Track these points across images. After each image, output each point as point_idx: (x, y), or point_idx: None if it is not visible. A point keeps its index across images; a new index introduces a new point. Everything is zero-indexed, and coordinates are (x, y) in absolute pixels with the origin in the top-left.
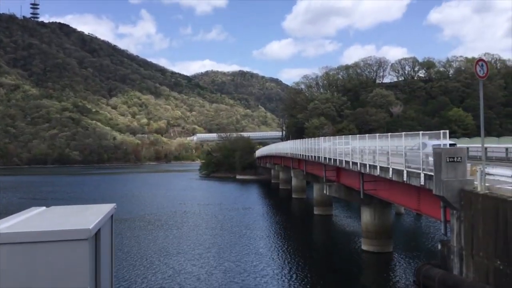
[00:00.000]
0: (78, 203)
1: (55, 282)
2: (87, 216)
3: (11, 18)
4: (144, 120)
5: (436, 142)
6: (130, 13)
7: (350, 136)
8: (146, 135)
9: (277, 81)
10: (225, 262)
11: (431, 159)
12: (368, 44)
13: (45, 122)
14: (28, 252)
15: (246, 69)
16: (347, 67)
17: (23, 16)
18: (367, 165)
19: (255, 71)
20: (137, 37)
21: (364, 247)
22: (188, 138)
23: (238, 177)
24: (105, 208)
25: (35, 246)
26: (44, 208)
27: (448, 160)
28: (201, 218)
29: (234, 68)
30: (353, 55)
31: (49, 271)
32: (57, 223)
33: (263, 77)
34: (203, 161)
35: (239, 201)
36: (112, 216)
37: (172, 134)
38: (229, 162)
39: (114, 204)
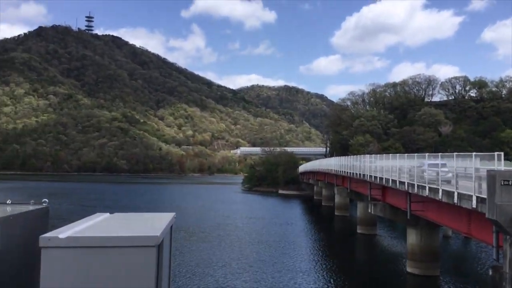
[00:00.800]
0: (126, 212)
1: (122, 286)
2: (152, 224)
3: (67, 30)
4: (190, 132)
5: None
6: (181, 27)
7: (397, 154)
8: (191, 146)
9: (322, 97)
10: (268, 277)
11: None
12: (418, 62)
13: (95, 131)
14: (98, 256)
15: (292, 84)
16: (394, 85)
17: (78, 28)
18: (415, 185)
19: (300, 87)
20: (186, 50)
21: (409, 269)
22: (231, 151)
23: (280, 191)
24: (167, 217)
25: (104, 251)
26: (108, 214)
27: (502, 183)
28: (244, 232)
29: (280, 83)
30: (402, 72)
31: (117, 276)
32: (125, 229)
33: (308, 92)
34: (246, 174)
35: (282, 216)
36: (172, 225)
37: (216, 147)
38: (272, 177)
39: (174, 213)
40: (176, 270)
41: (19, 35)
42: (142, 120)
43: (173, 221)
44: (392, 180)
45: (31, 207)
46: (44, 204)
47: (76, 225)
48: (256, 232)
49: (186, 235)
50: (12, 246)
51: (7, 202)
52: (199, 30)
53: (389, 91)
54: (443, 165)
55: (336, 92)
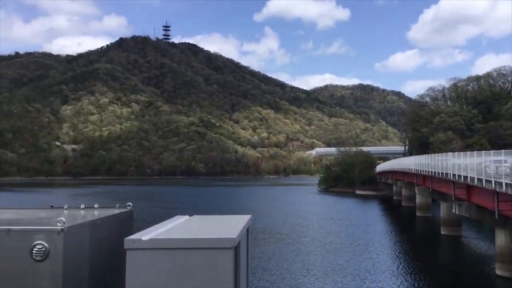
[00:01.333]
0: (205, 214)
1: (202, 287)
2: (229, 226)
3: (146, 40)
4: (264, 134)
5: None
6: (254, 31)
7: (482, 152)
8: (266, 148)
9: (399, 94)
10: (348, 280)
11: None
12: (503, 53)
13: (174, 136)
14: (177, 258)
15: (367, 82)
16: (478, 78)
17: (156, 38)
18: (503, 183)
19: (376, 84)
20: (259, 53)
21: (498, 272)
22: (306, 152)
23: (357, 192)
24: (243, 219)
25: (182, 252)
26: (187, 216)
27: None
28: (322, 233)
29: (355, 81)
30: (486, 64)
31: (196, 277)
32: (202, 231)
33: (384, 90)
34: (322, 175)
35: (360, 217)
36: (248, 227)
37: (291, 148)
38: (348, 177)
39: (250, 215)
40: (253, 273)
41: (101, 47)
42: (218, 124)
43: (250, 223)
44: (477, 178)
45: (116, 211)
46: (128, 207)
47: (158, 227)
48: (334, 233)
49: (263, 237)
50: (100, 248)
51: (95, 206)
52: (272, 32)
53: (472, 84)
54: None
55: (414, 89)
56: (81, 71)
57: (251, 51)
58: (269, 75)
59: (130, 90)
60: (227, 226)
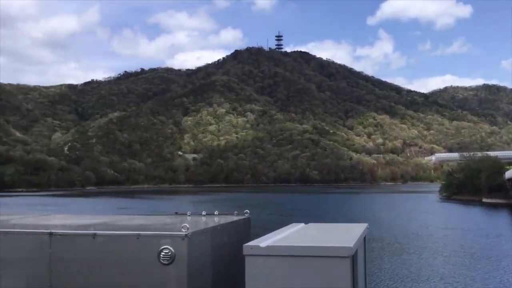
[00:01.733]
0: (320, 221)
1: None
2: (345, 234)
3: (259, 50)
4: (380, 140)
5: None
6: (367, 35)
7: None
8: (381, 155)
9: None
10: None
11: None
12: None
13: (288, 144)
14: (293, 265)
15: (493, 82)
16: None
17: (269, 48)
18: None
19: (503, 84)
20: (373, 57)
21: None
22: (425, 158)
23: (484, 200)
24: (360, 228)
25: (299, 260)
26: (303, 224)
27: None
28: (446, 244)
29: (479, 82)
30: None
31: (311, 285)
32: (319, 239)
33: None
34: (443, 182)
35: (488, 228)
36: (365, 236)
37: (408, 154)
38: (473, 184)
39: (367, 224)
40: (371, 283)
41: (218, 60)
42: (331, 131)
43: (366, 231)
44: None
45: (235, 218)
46: (246, 214)
47: (275, 234)
48: (459, 244)
49: (380, 246)
50: (220, 253)
51: (215, 213)
52: (386, 35)
53: None
54: None
55: None
56: (199, 83)
57: (365, 56)
58: (383, 79)
59: (245, 100)
60: (344, 235)
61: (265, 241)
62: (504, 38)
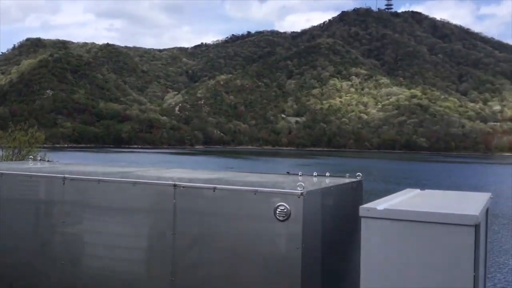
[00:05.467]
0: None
1: (436, 263)
2: (468, 203)
3: (367, 12)
4: (497, 107)
5: None
6: None
7: None
8: (499, 123)
9: None
10: None
11: None
12: None
13: (394, 109)
14: (411, 230)
15: None
16: None
17: (378, 9)
18: None
19: None
20: (500, 16)
21: None
22: None
23: None
24: (483, 197)
25: (418, 225)
26: (418, 190)
27: None
28: None
29: None
30: None
31: (430, 252)
32: (439, 205)
33: None
34: None
35: None
36: (488, 207)
37: None
38: None
39: (490, 194)
40: (490, 258)
41: (324, 22)
42: (442, 97)
43: (490, 202)
44: None
45: (347, 180)
46: (358, 177)
47: (390, 198)
48: None
49: (502, 222)
50: (332, 214)
51: (326, 174)
52: None
53: None
54: None
55: None
56: (304, 46)
57: (490, 15)
58: (507, 41)
59: (350, 63)
60: (467, 203)
61: (381, 204)
62: None
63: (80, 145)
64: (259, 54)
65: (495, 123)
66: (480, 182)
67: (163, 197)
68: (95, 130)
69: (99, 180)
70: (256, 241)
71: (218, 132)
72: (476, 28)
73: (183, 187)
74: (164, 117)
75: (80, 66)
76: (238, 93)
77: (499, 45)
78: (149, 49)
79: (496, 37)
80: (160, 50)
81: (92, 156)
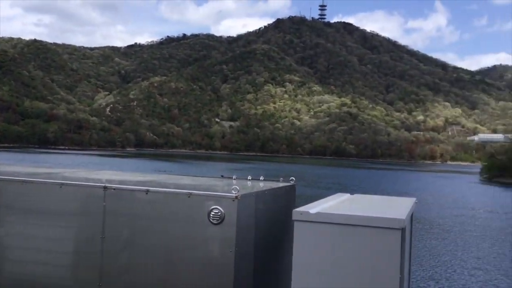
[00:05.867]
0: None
1: (364, 265)
2: (395, 207)
3: (302, 20)
4: (421, 117)
5: None
6: (423, 6)
7: None
8: (421, 132)
9: None
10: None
11: None
12: None
13: (325, 116)
14: (342, 234)
15: None
16: None
17: (312, 18)
18: None
19: None
20: (426, 31)
21: None
22: (468, 138)
23: None
24: (408, 202)
25: (349, 228)
26: (349, 195)
27: None
28: (488, 228)
29: None
30: None
31: (359, 255)
32: (368, 209)
33: None
34: (485, 163)
35: None
36: (413, 212)
37: (450, 133)
38: None
39: (415, 199)
40: (414, 260)
41: (259, 28)
42: (370, 105)
43: (415, 206)
44: None
45: (280, 184)
46: (291, 182)
47: (322, 202)
48: (497, 228)
49: (421, 227)
50: (266, 218)
51: (260, 178)
52: (442, 8)
53: None
54: None
55: None
56: (240, 51)
57: (417, 29)
58: (432, 54)
59: (284, 70)
60: (394, 207)
61: (314, 208)
62: None
63: (2, 145)
64: (195, 57)
65: (419, 132)
66: (404, 188)
67: (92, 199)
68: (19, 129)
69: (23, 181)
70: (189, 244)
71: (151, 134)
72: (403, 41)
73: (114, 189)
74: (94, 118)
75: (4, 62)
76: (172, 96)
77: (423, 58)
78: (80, 47)
79: (422, 50)
80: (91, 49)
81: (15, 156)
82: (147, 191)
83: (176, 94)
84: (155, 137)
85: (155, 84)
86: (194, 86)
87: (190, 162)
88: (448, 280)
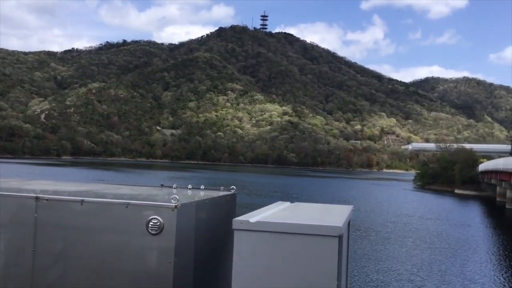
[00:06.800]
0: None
1: (302, 273)
2: (333, 214)
3: (244, 29)
4: (358, 127)
5: None
6: (361, 19)
7: None
8: (359, 141)
9: (508, 89)
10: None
11: None
12: None
13: (267, 125)
14: (282, 242)
15: (478, 75)
16: None
17: (254, 28)
18: None
19: (489, 78)
20: (364, 43)
21: None
22: (402, 147)
23: (456, 191)
24: (346, 209)
25: (288, 237)
26: (289, 203)
27: None
28: (419, 233)
29: (465, 74)
30: None
31: (299, 262)
32: (307, 217)
33: (491, 84)
34: (418, 171)
35: (459, 218)
36: (350, 219)
37: (385, 142)
38: (447, 175)
39: (352, 206)
40: (351, 267)
41: (202, 36)
42: (311, 115)
43: (352, 214)
44: None
45: (221, 193)
46: (232, 190)
47: (262, 211)
48: (431, 233)
49: (358, 234)
50: (207, 227)
51: (201, 187)
52: (380, 21)
53: None
54: None
55: None
56: (182, 59)
57: (356, 41)
58: (369, 66)
59: (226, 78)
60: (332, 214)
61: (254, 217)
62: (494, 32)
63: None
64: (135, 64)
65: (356, 141)
66: (343, 195)
67: (23, 210)
68: None
69: None
70: (127, 256)
71: (89, 142)
72: (342, 52)
73: (47, 199)
74: (28, 125)
75: None
76: (111, 103)
77: (360, 70)
78: (14, 51)
79: (359, 62)
80: (25, 53)
81: None
82: (82, 202)
83: (116, 101)
84: (93, 145)
85: (94, 91)
86: (135, 93)
87: (129, 170)
88: (385, 284)
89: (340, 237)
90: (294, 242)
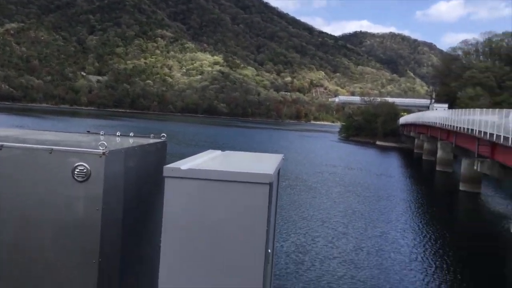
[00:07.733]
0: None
1: (233, 220)
2: (264, 162)
3: None
4: (288, 78)
5: None
6: None
7: (511, 110)
8: (289, 93)
9: (431, 46)
10: (369, 229)
11: None
12: None
13: (198, 74)
14: (213, 189)
15: (405, 31)
16: None
17: None
18: None
19: (414, 34)
20: None
21: None
22: (329, 99)
23: (378, 143)
24: (277, 158)
25: (219, 184)
26: (220, 151)
27: None
28: (342, 182)
29: (392, 29)
30: None
31: (229, 209)
32: (239, 165)
33: (415, 40)
34: (344, 124)
35: (380, 168)
36: (280, 167)
37: (314, 94)
38: (371, 127)
39: (283, 155)
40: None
41: None
42: (242, 65)
43: (282, 162)
44: (504, 136)
45: (151, 140)
46: (162, 138)
47: (194, 159)
48: (354, 183)
49: (285, 184)
50: (136, 174)
51: (130, 134)
52: None
53: (507, 40)
54: None
55: (453, 41)
56: (108, 1)
57: None
58: (301, 18)
59: (156, 24)
60: (263, 162)
61: (185, 164)
62: None
63: None
64: (57, 4)
65: (286, 92)
66: (272, 145)
67: None
68: None
69: None
70: (51, 205)
71: (7, 86)
72: (274, 3)
73: None
74: None
75: None
76: (31, 45)
77: (292, 21)
78: None
79: (292, 13)
80: None
81: None
82: (1, 147)
83: (36, 43)
84: (11, 89)
85: (12, 32)
86: (57, 36)
87: (52, 117)
88: (311, 230)
89: (270, 185)
90: (226, 189)
